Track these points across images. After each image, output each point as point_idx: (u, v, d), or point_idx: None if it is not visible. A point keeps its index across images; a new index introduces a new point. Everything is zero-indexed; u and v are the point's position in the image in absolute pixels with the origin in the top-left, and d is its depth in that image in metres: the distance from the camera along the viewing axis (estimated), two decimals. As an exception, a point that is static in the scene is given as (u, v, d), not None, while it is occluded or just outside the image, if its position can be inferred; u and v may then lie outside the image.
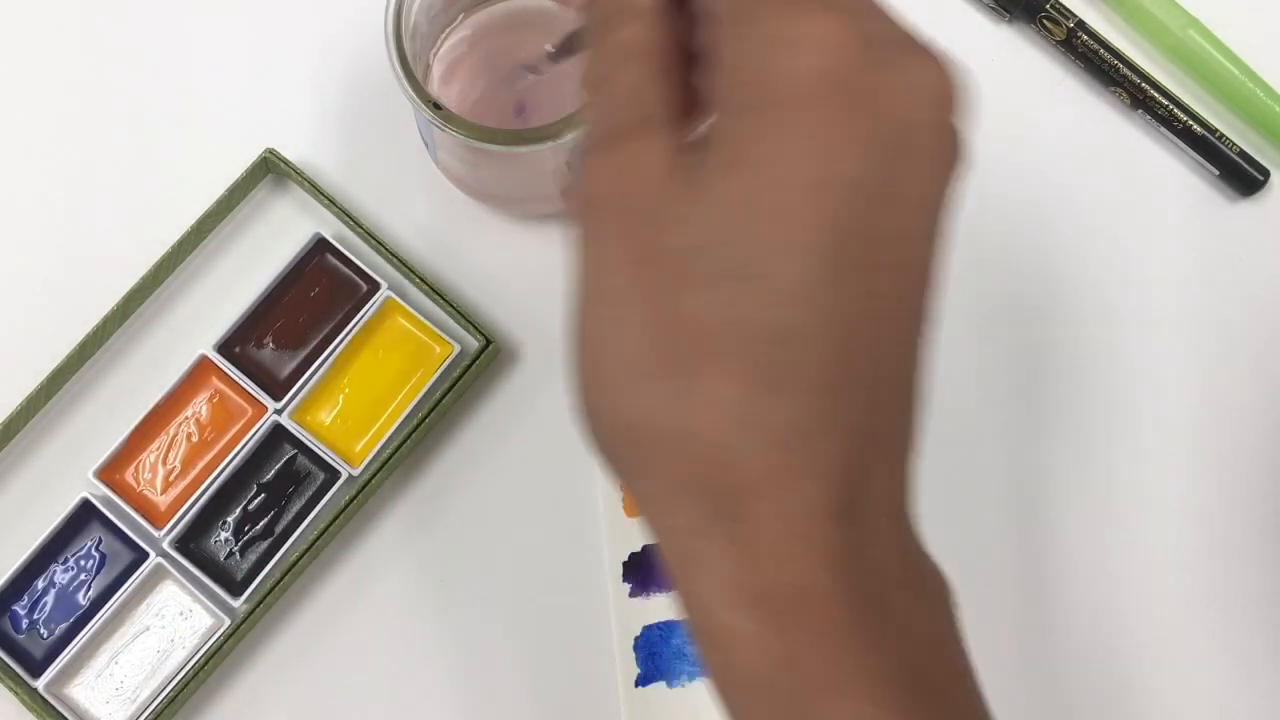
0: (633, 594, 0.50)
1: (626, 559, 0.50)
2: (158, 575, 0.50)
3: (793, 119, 0.29)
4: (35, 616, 0.50)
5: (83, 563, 0.50)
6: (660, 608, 0.50)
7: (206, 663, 0.48)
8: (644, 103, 0.31)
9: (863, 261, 0.29)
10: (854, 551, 0.29)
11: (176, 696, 0.48)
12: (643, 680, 0.49)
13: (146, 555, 0.50)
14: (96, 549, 0.50)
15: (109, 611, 0.49)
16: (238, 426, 0.51)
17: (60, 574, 0.50)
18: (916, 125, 0.29)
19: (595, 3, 0.33)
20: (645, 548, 0.50)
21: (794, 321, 0.28)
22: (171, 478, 0.51)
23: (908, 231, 0.29)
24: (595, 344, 0.30)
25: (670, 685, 0.49)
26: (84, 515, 0.50)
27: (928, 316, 0.30)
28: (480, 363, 0.51)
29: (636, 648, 0.49)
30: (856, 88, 0.29)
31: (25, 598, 0.50)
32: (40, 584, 0.50)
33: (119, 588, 0.49)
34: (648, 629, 0.49)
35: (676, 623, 0.49)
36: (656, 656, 0.49)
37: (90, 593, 0.50)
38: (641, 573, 0.50)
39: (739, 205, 0.29)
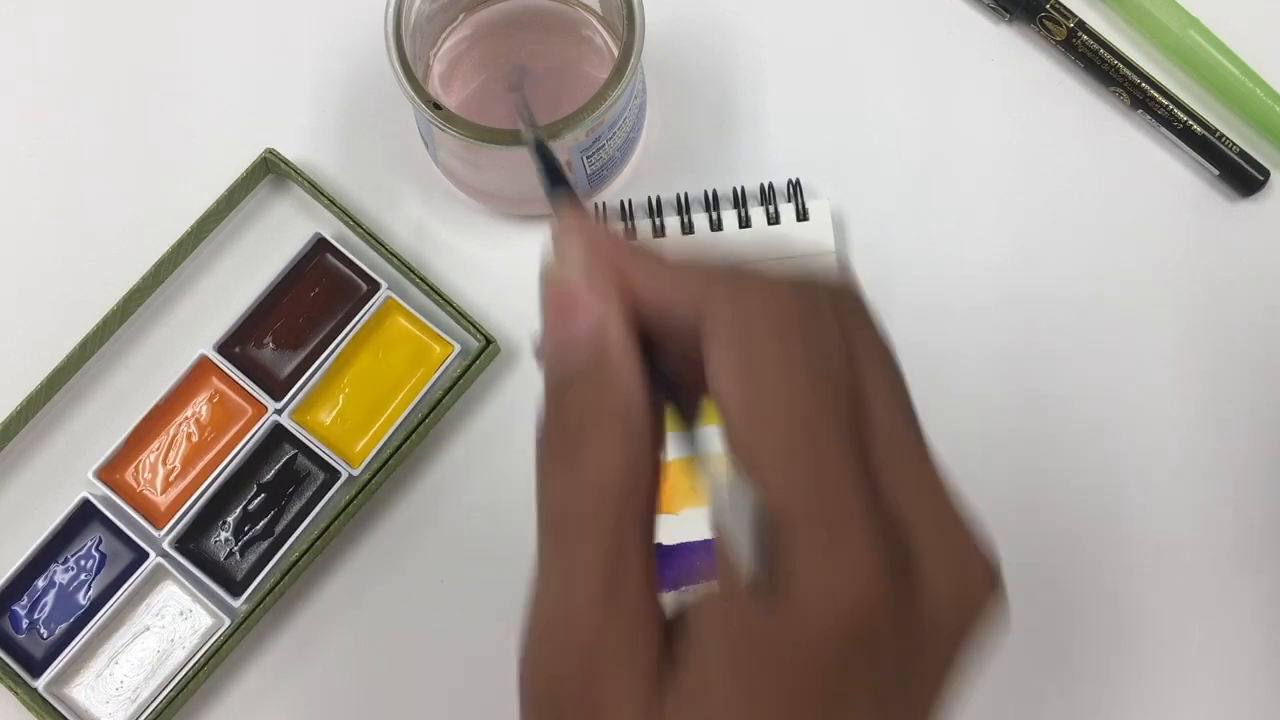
0: None
1: None
2: (158, 575, 0.50)
3: (774, 695, 0.26)
4: (35, 616, 0.50)
5: (83, 563, 0.50)
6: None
7: (206, 663, 0.48)
8: (627, 612, 0.27)
9: None
10: None
11: (176, 697, 0.48)
12: None
13: (146, 555, 0.50)
14: (96, 549, 0.50)
15: (109, 611, 0.49)
16: (238, 426, 0.51)
17: (60, 574, 0.50)
18: (942, 647, 0.27)
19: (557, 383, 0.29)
20: None
21: None
22: (171, 478, 0.51)
23: None
24: None
25: None
26: (84, 515, 0.50)
27: None
28: (480, 362, 0.51)
29: None
30: (868, 656, 0.26)
31: (25, 598, 0.50)
32: (40, 584, 0.50)
33: (119, 588, 0.49)
34: None
35: None
36: None
37: (90, 593, 0.50)
38: None
39: None
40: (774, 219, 0.53)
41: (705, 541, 0.50)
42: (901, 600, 0.26)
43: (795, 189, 0.53)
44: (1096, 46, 0.55)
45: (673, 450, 0.51)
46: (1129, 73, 0.54)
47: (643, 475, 0.28)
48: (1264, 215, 0.54)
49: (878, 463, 0.27)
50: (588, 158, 0.49)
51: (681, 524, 0.50)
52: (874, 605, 0.25)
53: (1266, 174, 0.54)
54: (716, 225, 0.53)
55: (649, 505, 0.28)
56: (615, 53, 0.49)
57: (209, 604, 0.50)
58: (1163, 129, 0.54)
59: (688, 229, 0.53)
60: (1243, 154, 0.54)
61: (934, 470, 0.28)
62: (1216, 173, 0.54)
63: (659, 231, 0.53)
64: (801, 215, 0.53)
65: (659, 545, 0.49)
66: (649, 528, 0.28)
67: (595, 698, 0.27)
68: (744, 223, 0.53)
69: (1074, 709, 0.50)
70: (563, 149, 0.47)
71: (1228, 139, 0.54)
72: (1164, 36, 0.55)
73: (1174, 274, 0.54)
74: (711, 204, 0.53)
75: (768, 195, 0.53)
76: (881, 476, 0.27)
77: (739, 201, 0.53)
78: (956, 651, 0.27)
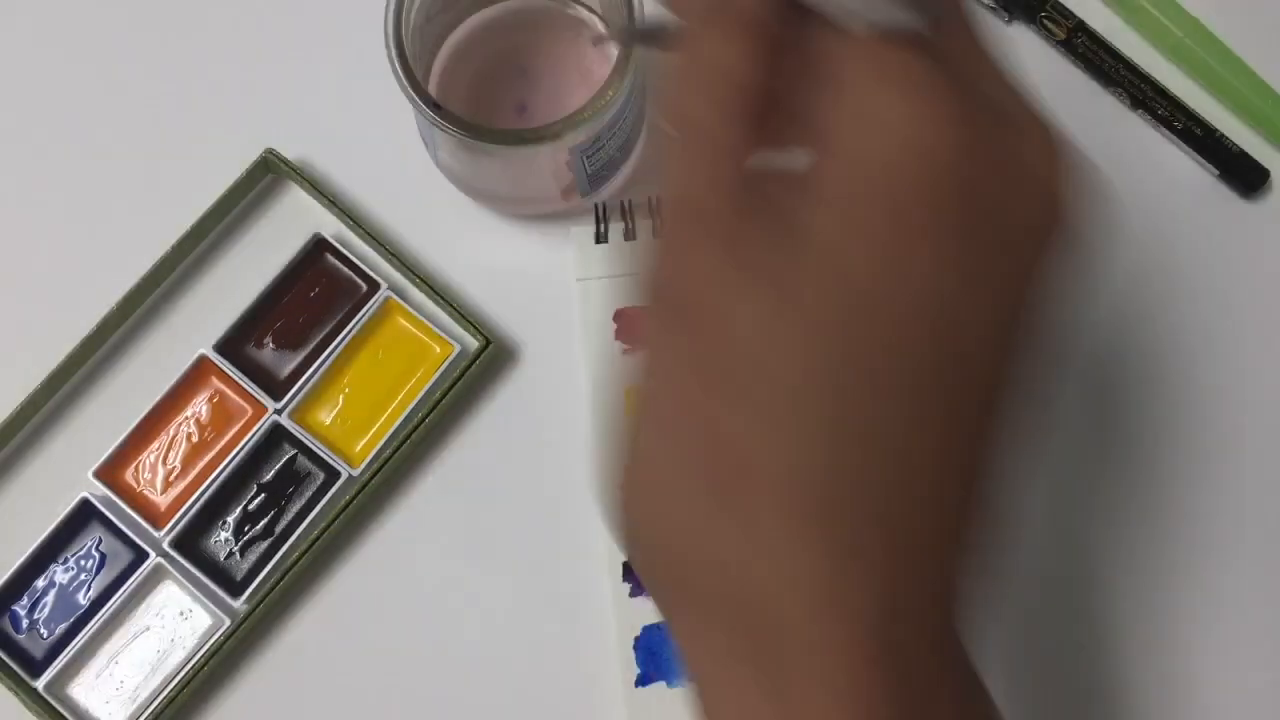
0: (633, 594, 0.50)
1: (626, 559, 0.50)
2: (158, 575, 0.50)
3: (878, 220, 0.27)
4: (35, 616, 0.50)
5: (83, 562, 0.50)
6: None
7: (207, 663, 0.48)
8: (729, 177, 0.28)
9: (933, 386, 0.27)
10: (889, 692, 0.27)
11: (176, 697, 0.48)
12: (643, 680, 0.49)
13: (146, 555, 0.50)
14: (96, 549, 0.50)
15: (109, 611, 0.49)
16: (237, 426, 0.51)
17: (60, 574, 0.50)
18: (1015, 216, 0.28)
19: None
20: None
21: (838, 458, 0.27)
22: (171, 478, 0.51)
23: (988, 339, 0.28)
24: (645, 450, 0.29)
25: (670, 685, 0.49)
26: (84, 515, 0.50)
27: (998, 419, 0.29)
28: (480, 363, 0.51)
29: (636, 648, 0.49)
30: (952, 185, 0.27)
31: (25, 598, 0.50)
32: (40, 584, 0.50)
33: (119, 588, 0.49)
34: (648, 629, 0.49)
35: None
36: (656, 656, 0.49)
37: (90, 593, 0.50)
38: None
39: (800, 315, 0.27)
40: None
41: None
42: (973, 146, 0.27)
43: None
44: (1096, 47, 0.55)
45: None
46: (1129, 73, 0.54)
47: (753, 74, 0.29)
48: (1264, 215, 0.54)
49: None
50: (588, 158, 0.49)
51: None
52: (956, 142, 0.27)
53: (1266, 174, 0.54)
54: None
55: (755, 101, 0.29)
56: (615, 52, 0.49)
57: (209, 604, 0.50)
58: (1163, 129, 0.54)
59: None
60: (1243, 154, 0.54)
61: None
62: (1217, 173, 0.54)
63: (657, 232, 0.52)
64: None
65: None
66: (751, 120, 0.29)
67: (691, 228, 0.28)
68: None
69: (1073, 706, 0.50)
70: (562, 149, 0.47)
71: (1228, 139, 0.54)
72: (1164, 37, 0.55)
73: (1174, 274, 0.54)
74: None
75: None
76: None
77: None
78: (1050, 225, 0.28)
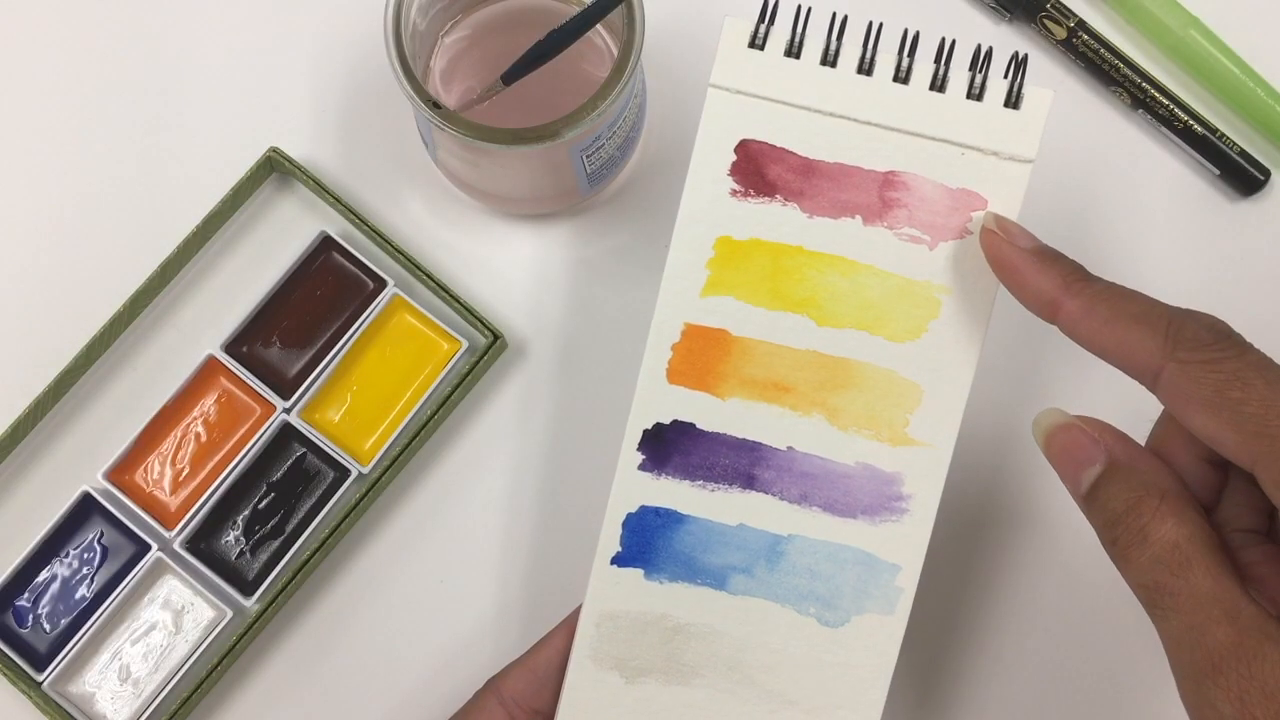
0: (642, 467, 0.42)
1: (650, 427, 0.42)
2: (159, 569, 0.50)
3: None
4: (39, 611, 0.50)
5: (85, 555, 0.50)
6: (666, 492, 0.42)
7: (219, 662, 0.48)
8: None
9: None
10: None
11: (190, 696, 0.48)
12: (620, 560, 0.43)
13: (148, 548, 0.50)
14: (98, 542, 0.51)
15: (112, 605, 0.49)
16: (246, 426, 0.52)
17: (62, 568, 0.50)
18: None
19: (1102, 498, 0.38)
20: (675, 422, 0.43)
21: None
22: (181, 478, 0.51)
23: None
24: None
25: (648, 576, 0.43)
26: (85, 509, 0.50)
27: None
28: (488, 358, 0.51)
29: (626, 524, 0.43)
30: None
31: (28, 593, 0.50)
32: (42, 578, 0.50)
33: (121, 581, 0.50)
34: (646, 509, 0.43)
35: (683, 517, 0.43)
36: (645, 542, 0.43)
37: (92, 586, 0.50)
38: (661, 448, 0.43)
39: None
40: (976, 93, 0.42)
41: (742, 440, 0.42)
42: None
43: (1020, 66, 0.42)
44: (1097, 46, 0.55)
45: (739, 326, 0.43)
46: (1129, 72, 0.55)
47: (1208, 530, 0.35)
48: (1264, 215, 0.55)
49: None
50: (587, 157, 0.50)
51: (724, 411, 0.42)
52: None
53: (1267, 174, 0.54)
54: (902, 75, 0.43)
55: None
56: (615, 52, 0.49)
57: (210, 596, 0.50)
58: (1163, 129, 0.55)
59: (865, 68, 0.43)
60: (1243, 154, 0.54)
61: None
62: (1217, 172, 0.54)
63: (829, 59, 0.43)
64: (1012, 101, 0.43)
65: (690, 426, 0.43)
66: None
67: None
68: (938, 84, 0.42)
69: (1071, 704, 0.50)
70: (562, 149, 0.48)
71: (1228, 139, 0.54)
72: (1164, 36, 0.55)
73: (1174, 274, 0.54)
74: (909, 48, 0.42)
75: (980, 61, 0.42)
76: None
77: (940, 56, 0.42)
78: None
